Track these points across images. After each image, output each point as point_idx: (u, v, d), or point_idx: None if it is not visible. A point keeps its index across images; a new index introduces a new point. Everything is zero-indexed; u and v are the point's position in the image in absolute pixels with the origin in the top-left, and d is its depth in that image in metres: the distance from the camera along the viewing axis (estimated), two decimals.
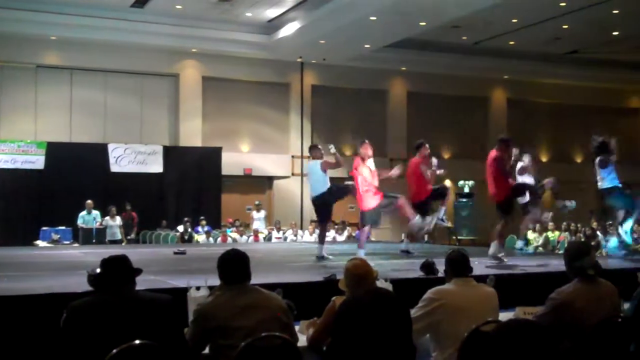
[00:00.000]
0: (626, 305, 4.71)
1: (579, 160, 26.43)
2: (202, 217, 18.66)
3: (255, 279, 4.40)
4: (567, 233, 18.63)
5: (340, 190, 10.35)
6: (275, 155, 22.17)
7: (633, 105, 27.98)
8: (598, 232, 17.43)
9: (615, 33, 21.11)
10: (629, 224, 10.51)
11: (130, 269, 4.06)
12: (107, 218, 17.19)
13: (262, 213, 19.73)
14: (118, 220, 17.32)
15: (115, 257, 4.11)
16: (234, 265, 4.30)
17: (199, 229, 18.32)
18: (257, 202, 20.10)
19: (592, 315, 4.38)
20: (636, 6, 18.43)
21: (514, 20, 19.90)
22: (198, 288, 5.28)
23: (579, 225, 18.86)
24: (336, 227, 19.16)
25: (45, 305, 5.61)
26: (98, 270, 4.12)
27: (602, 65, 24.66)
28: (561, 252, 15.70)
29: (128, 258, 4.10)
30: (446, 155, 23.77)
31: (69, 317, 3.80)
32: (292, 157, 22.31)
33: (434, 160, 10.89)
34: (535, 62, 23.74)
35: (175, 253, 11.53)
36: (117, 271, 4.01)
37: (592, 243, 15.65)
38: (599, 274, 4.62)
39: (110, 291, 3.94)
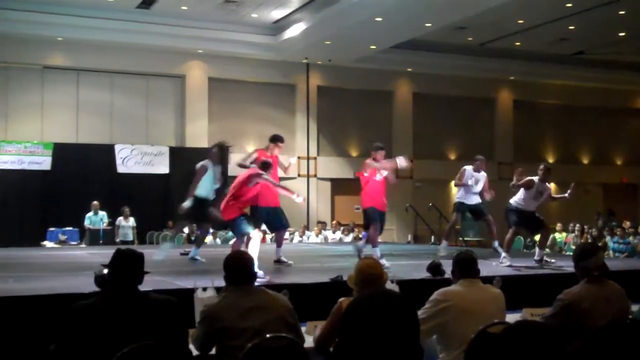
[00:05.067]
0: (635, 307, 4.69)
1: (585, 161, 26.34)
2: None
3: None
4: (573, 234, 18.59)
5: None
6: (281, 157, 21.76)
7: (639, 105, 27.88)
8: (604, 233, 17.38)
9: (622, 34, 21.03)
10: None
11: (141, 269, 4.04)
12: (120, 218, 17.21)
13: None
14: (131, 221, 17.28)
15: (129, 253, 4.08)
16: (238, 266, 4.32)
17: None
18: None
19: (600, 317, 4.37)
20: None
21: (520, 21, 19.85)
22: (205, 289, 5.29)
23: (585, 226, 18.81)
24: (342, 228, 19.17)
25: (51, 306, 5.62)
26: (105, 271, 4.10)
27: (608, 66, 24.60)
28: (568, 253, 15.71)
29: (143, 257, 4.08)
30: (452, 157, 23.75)
31: (69, 319, 3.78)
32: (299, 158, 22.28)
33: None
34: (541, 63, 23.67)
35: (182, 254, 11.52)
36: (128, 268, 3.98)
37: (599, 244, 15.61)
38: (605, 275, 4.61)
39: (114, 291, 3.92)
